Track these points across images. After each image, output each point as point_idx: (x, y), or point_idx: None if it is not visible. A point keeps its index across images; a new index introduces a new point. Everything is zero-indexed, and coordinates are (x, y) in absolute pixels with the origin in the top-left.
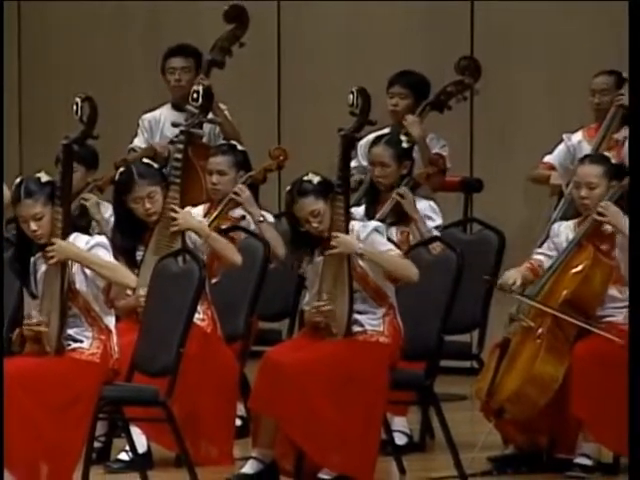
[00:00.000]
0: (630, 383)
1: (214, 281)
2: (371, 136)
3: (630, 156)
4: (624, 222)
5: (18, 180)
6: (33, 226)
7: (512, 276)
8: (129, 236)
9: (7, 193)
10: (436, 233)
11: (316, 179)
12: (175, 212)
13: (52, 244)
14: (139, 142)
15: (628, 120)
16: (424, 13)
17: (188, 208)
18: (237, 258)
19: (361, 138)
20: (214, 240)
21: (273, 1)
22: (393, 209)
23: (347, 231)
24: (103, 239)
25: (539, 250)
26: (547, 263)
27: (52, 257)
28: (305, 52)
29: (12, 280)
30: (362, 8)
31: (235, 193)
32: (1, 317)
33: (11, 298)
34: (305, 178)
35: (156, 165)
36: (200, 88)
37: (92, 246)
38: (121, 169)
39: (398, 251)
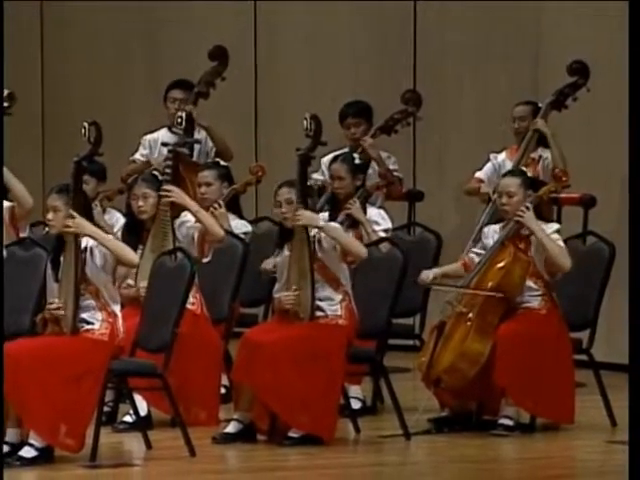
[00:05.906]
0: (630, 383)
1: (206, 260)
2: (331, 155)
3: (630, 156)
4: (537, 225)
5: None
6: (49, 216)
7: (426, 273)
8: (133, 234)
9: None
10: (381, 234)
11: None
12: (169, 191)
13: (72, 217)
14: (139, 156)
15: (629, 120)
16: (375, 54)
17: (184, 213)
18: (220, 231)
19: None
20: (202, 214)
21: (251, 38)
22: (348, 215)
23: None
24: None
25: (473, 249)
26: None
27: (69, 227)
28: (277, 85)
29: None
30: (325, 50)
31: (214, 207)
32: (1, 312)
33: (37, 286)
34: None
35: (160, 177)
36: (183, 114)
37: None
38: (135, 176)
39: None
